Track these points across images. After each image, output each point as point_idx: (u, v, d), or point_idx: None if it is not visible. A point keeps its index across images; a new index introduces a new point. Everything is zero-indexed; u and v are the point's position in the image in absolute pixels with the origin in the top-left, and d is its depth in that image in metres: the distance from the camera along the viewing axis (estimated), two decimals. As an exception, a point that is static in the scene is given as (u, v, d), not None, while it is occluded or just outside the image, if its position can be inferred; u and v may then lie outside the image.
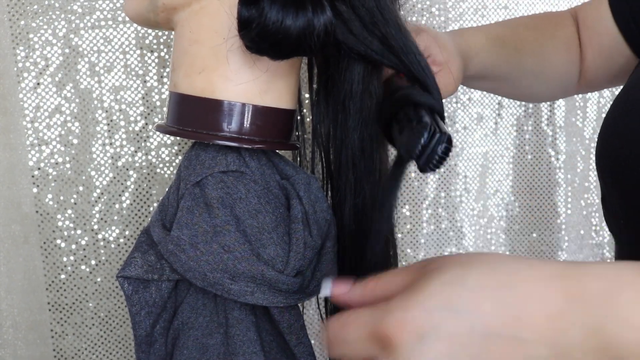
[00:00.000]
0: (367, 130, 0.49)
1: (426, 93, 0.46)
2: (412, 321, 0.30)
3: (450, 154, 0.42)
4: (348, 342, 0.33)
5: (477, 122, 0.95)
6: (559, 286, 0.29)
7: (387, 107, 0.46)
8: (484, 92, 0.94)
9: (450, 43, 0.57)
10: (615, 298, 0.28)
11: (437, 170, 0.42)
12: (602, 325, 0.28)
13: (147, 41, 0.79)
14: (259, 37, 0.42)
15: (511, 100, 0.95)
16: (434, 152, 0.42)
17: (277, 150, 0.52)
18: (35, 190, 0.79)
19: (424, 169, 0.42)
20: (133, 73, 0.79)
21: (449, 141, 0.41)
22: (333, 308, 0.55)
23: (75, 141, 0.79)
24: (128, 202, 0.82)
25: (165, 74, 0.80)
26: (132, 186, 0.82)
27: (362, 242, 0.51)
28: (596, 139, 0.94)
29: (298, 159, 0.62)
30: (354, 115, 0.48)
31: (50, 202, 0.80)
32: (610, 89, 0.97)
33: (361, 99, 0.48)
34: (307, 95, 0.67)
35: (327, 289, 0.39)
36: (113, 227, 0.82)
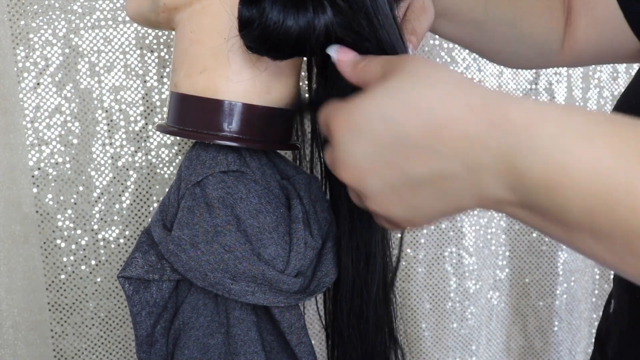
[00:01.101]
0: None
1: None
2: (350, 119, 0.35)
3: None
4: (319, 124, 0.39)
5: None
6: (484, 112, 0.31)
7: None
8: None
9: None
10: (533, 131, 0.29)
11: None
12: (514, 153, 0.29)
13: (147, 41, 0.79)
14: (259, 37, 0.42)
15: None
16: None
17: (277, 150, 0.52)
18: (35, 190, 0.79)
19: None
20: (133, 73, 0.79)
21: None
22: (333, 308, 0.55)
23: (75, 141, 0.79)
24: (128, 202, 0.82)
25: (165, 74, 0.80)
26: (132, 186, 0.82)
27: (358, 241, 0.51)
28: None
29: (298, 159, 0.62)
30: None
31: (50, 202, 0.80)
32: (610, 89, 0.97)
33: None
34: (307, 96, 0.67)
35: (333, 51, 0.43)
36: (113, 227, 0.82)
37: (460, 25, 0.59)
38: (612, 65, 0.97)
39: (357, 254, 0.51)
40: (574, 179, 0.28)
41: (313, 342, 0.88)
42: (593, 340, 1.08)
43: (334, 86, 0.49)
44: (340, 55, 0.41)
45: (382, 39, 0.43)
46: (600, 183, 0.28)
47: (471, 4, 0.57)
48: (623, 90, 0.91)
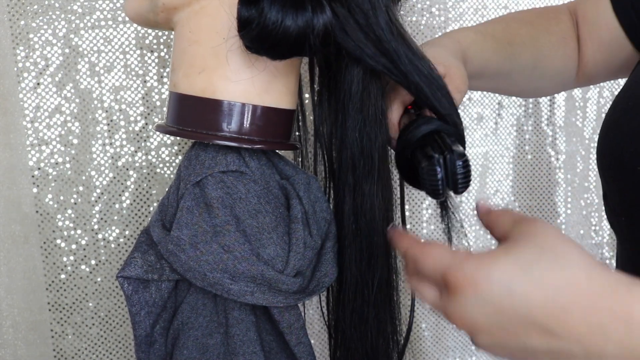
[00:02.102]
0: (366, 130, 0.49)
1: (428, 118, 0.47)
2: (476, 284, 0.36)
3: (470, 163, 0.44)
4: (422, 267, 0.40)
5: (477, 122, 0.95)
6: (608, 303, 0.32)
7: (401, 159, 0.48)
8: (484, 92, 0.94)
9: (443, 53, 0.55)
10: None
11: (469, 184, 0.45)
12: (634, 349, 0.31)
13: (147, 41, 0.79)
14: (258, 37, 0.42)
15: (511, 101, 0.95)
16: (456, 176, 0.43)
17: (277, 150, 0.52)
18: (35, 190, 0.79)
19: (458, 192, 0.45)
20: (133, 73, 0.79)
21: (461, 156, 0.43)
22: (336, 308, 0.55)
23: (75, 141, 0.79)
24: (128, 202, 0.82)
25: (165, 74, 0.80)
26: (132, 186, 0.82)
27: (363, 242, 0.51)
28: (596, 139, 0.93)
29: (299, 159, 0.62)
30: (354, 115, 0.48)
31: (50, 202, 0.80)
32: (610, 89, 0.97)
33: (360, 99, 0.48)
34: (307, 96, 0.67)
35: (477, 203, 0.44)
36: (113, 227, 0.82)
37: (488, 80, 0.62)
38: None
39: (360, 255, 0.51)
40: None
41: (313, 342, 0.88)
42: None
43: (337, 87, 0.49)
44: (480, 204, 0.43)
45: (382, 38, 0.43)
46: None
47: (498, 61, 0.61)
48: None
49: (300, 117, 0.60)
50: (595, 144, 0.97)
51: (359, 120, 0.48)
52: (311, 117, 0.56)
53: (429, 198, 0.94)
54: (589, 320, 0.32)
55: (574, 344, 0.33)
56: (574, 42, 0.65)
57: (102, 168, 0.80)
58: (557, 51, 0.64)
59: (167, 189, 0.53)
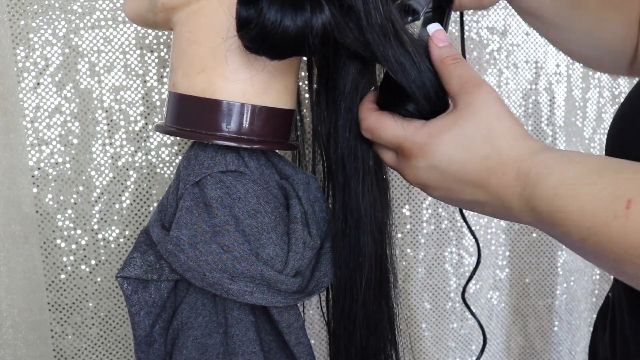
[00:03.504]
0: (355, 129, 0.49)
1: None
2: (424, 152, 0.45)
3: None
4: (379, 138, 0.48)
5: (477, 122, 0.94)
6: (517, 165, 0.42)
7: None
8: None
9: None
10: (542, 182, 0.41)
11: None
12: (532, 197, 0.41)
13: (147, 41, 0.79)
14: (257, 37, 0.42)
15: (511, 101, 0.95)
16: None
17: (276, 150, 0.52)
18: (35, 190, 0.79)
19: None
20: (133, 73, 0.79)
21: None
22: (334, 309, 0.55)
23: (75, 141, 0.79)
24: (128, 202, 0.82)
25: (165, 74, 0.80)
26: (132, 186, 0.82)
27: (351, 241, 0.51)
28: (596, 139, 0.93)
29: (298, 159, 0.62)
30: (344, 114, 0.48)
31: (50, 202, 0.80)
32: (610, 89, 0.97)
33: (351, 98, 0.48)
34: (307, 96, 0.67)
35: (433, 28, 0.48)
36: (113, 227, 0.82)
37: (541, 25, 0.65)
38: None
39: (348, 254, 0.51)
40: (567, 217, 0.39)
41: (313, 342, 0.88)
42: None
43: (335, 87, 0.49)
44: (436, 34, 0.48)
45: (369, 42, 0.44)
46: (586, 221, 0.38)
47: (554, 11, 0.62)
48: (624, 91, 0.91)
49: (298, 117, 0.60)
50: (596, 144, 0.97)
51: (348, 119, 0.49)
52: (309, 117, 0.56)
53: (429, 198, 0.94)
54: (504, 180, 0.43)
55: (495, 200, 0.44)
56: (634, 30, 0.64)
57: (102, 168, 0.80)
58: (619, 29, 0.64)
59: (166, 189, 0.53)
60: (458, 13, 0.64)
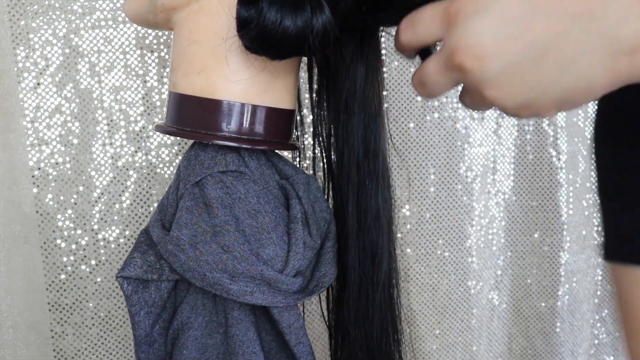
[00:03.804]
0: (371, 129, 0.49)
1: None
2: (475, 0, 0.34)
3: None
4: (421, 21, 0.37)
5: (478, 122, 0.94)
6: None
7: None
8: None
9: None
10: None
11: None
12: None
13: (147, 41, 0.79)
14: (257, 37, 0.42)
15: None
16: None
17: (276, 150, 0.52)
18: (35, 190, 0.79)
19: None
20: (133, 73, 0.79)
21: None
22: (338, 309, 0.55)
23: (75, 141, 0.79)
24: (128, 202, 0.82)
25: (165, 74, 0.80)
26: (132, 186, 0.82)
27: (366, 241, 0.51)
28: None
29: (298, 159, 0.62)
30: (358, 114, 0.48)
31: (50, 202, 0.80)
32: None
33: (365, 97, 0.48)
34: (307, 96, 0.67)
35: None
36: (113, 227, 0.82)
37: None
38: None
39: (364, 254, 0.51)
40: None
41: (313, 342, 0.88)
42: (595, 341, 1.08)
43: (335, 87, 0.49)
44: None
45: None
46: None
47: None
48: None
49: (298, 117, 0.60)
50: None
51: (363, 120, 0.48)
52: (309, 118, 0.56)
53: (429, 198, 0.94)
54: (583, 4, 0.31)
55: (580, 18, 0.31)
56: None
57: (102, 168, 0.80)
58: None
59: (166, 189, 0.53)
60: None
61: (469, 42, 0.34)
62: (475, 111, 0.39)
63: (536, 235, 0.99)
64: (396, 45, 0.42)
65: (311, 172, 0.59)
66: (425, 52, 0.41)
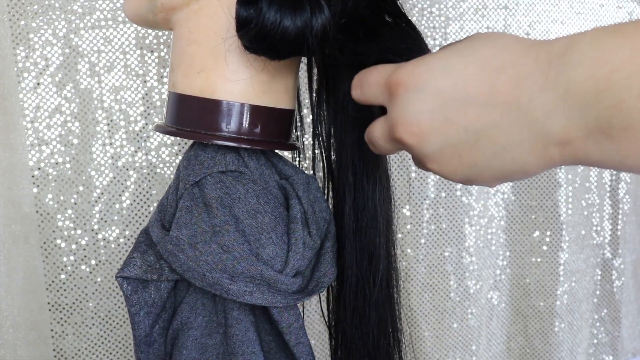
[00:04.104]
0: (358, 129, 0.49)
1: None
2: (414, 75, 0.35)
3: None
4: (368, 85, 0.40)
5: (477, 122, 0.94)
6: (532, 52, 0.31)
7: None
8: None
9: None
10: (573, 46, 0.29)
11: None
12: (562, 72, 0.29)
13: (147, 41, 0.79)
14: (257, 37, 0.42)
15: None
16: None
17: (276, 150, 0.52)
18: (35, 190, 0.79)
19: None
20: (133, 73, 0.79)
21: None
22: (337, 308, 0.55)
23: (75, 141, 0.79)
24: (128, 202, 0.82)
25: (165, 74, 0.80)
26: (132, 186, 0.82)
27: (363, 241, 0.51)
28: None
29: (297, 159, 0.62)
30: (346, 114, 0.48)
31: (50, 202, 0.80)
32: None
33: (350, 98, 0.48)
34: (307, 96, 0.67)
35: None
36: (113, 227, 0.82)
37: None
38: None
39: (361, 254, 0.51)
40: (620, 74, 0.28)
41: (313, 342, 0.88)
42: (594, 341, 1.08)
43: (335, 87, 0.49)
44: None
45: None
46: None
47: None
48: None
49: (298, 117, 0.60)
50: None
51: (358, 120, 0.49)
52: (309, 118, 0.56)
53: (429, 198, 0.94)
54: (515, 76, 0.31)
55: (510, 110, 0.32)
56: None
57: (102, 168, 0.80)
58: None
59: (166, 189, 0.53)
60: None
61: (407, 119, 0.35)
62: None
63: (535, 235, 0.99)
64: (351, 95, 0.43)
65: (311, 172, 0.59)
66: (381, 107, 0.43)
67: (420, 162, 0.38)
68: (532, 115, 0.31)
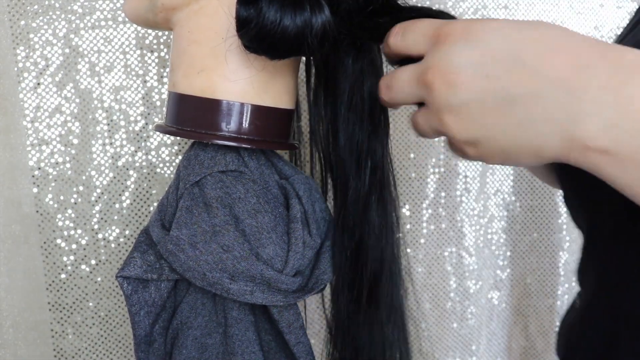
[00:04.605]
0: (357, 128, 0.49)
1: None
2: (468, 30, 0.34)
3: None
4: (412, 31, 0.38)
5: (477, 122, 0.94)
6: (600, 47, 0.30)
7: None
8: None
9: None
10: None
11: None
12: (622, 85, 0.29)
13: (147, 41, 0.79)
14: (257, 36, 0.42)
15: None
16: None
17: (275, 150, 0.52)
18: (35, 190, 0.79)
19: None
20: (133, 73, 0.79)
21: None
22: (333, 309, 0.55)
23: (75, 141, 0.79)
24: (128, 202, 0.82)
25: (165, 74, 0.80)
26: (132, 186, 0.82)
27: (358, 240, 0.51)
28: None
29: (294, 159, 0.62)
30: (344, 113, 0.48)
31: (50, 202, 0.80)
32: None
33: (350, 98, 0.48)
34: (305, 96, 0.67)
35: None
36: (113, 227, 0.82)
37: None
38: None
39: (348, 251, 0.51)
40: None
41: (313, 342, 0.88)
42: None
43: (335, 87, 0.49)
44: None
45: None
46: None
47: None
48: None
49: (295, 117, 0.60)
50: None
51: (349, 119, 0.49)
52: (307, 117, 0.56)
53: (429, 198, 0.94)
54: (576, 61, 0.31)
55: (558, 87, 0.31)
56: None
57: (102, 168, 0.80)
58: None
59: (166, 189, 0.53)
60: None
61: (446, 66, 0.34)
62: (419, 136, 0.41)
63: (535, 235, 0.99)
64: (384, 47, 0.42)
65: (307, 171, 0.60)
66: (405, 62, 0.41)
67: (437, 111, 0.36)
68: (580, 105, 0.30)
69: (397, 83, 0.39)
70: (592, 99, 0.30)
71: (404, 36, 0.39)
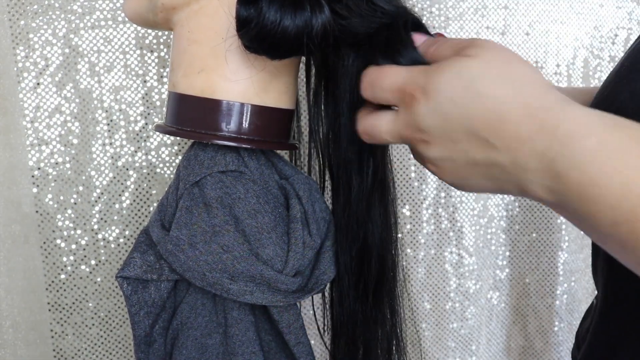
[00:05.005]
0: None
1: None
2: (427, 93, 0.37)
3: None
4: (381, 89, 0.41)
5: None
6: (539, 116, 0.34)
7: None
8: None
9: None
10: (577, 143, 0.32)
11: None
12: (557, 159, 0.33)
13: (147, 41, 0.79)
14: (257, 36, 0.42)
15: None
16: None
17: (276, 150, 0.52)
18: (35, 190, 0.79)
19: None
20: (133, 73, 0.79)
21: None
22: (333, 308, 0.55)
23: (75, 141, 0.79)
24: (128, 202, 0.82)
25: (165, 74, 0.80)
26: (132, 186, 0.82)
27: (357, 241, 0.51)
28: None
29: (294, 159, 0.62)
30: (346, 113, 0.48)
31: (50, 202, 0.80)
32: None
33: (350, 97, 0.48)
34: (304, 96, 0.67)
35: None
36: (113, 227, 0.82)
37: None
38: (612, 65, 0.96)
39: (350, 252, 0.51)
40: (603, 193, 0.31)
41: (313, 342, 0.88)
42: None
43: (335, 86, 0.49)
44: (415, 38, 0.43)
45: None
46: (627, 201, 0.31)
47: None
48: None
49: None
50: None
51: (350, 120, 0.49)
52: (307, 117, 0.56)
53: (429, 198, 0.94)
54: (520, 131, 0.34)
55: (505, 156, 0.35)
56: None
57: (102, 168, 0.80)
58: None
59: (166, 189, 0.53)
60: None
61: (417, 127, 0.38)
62: (369, 140, 0.44)
63: (534, 235, 0.99)
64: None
65: (306, 171, 0.60)
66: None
67: (420, 160, 0.41)
68: (526, 175, 0.35)
69: (379, 135, 0.42)
70: (534, 170, 0.34)
71: (373, 92, 0.42)
